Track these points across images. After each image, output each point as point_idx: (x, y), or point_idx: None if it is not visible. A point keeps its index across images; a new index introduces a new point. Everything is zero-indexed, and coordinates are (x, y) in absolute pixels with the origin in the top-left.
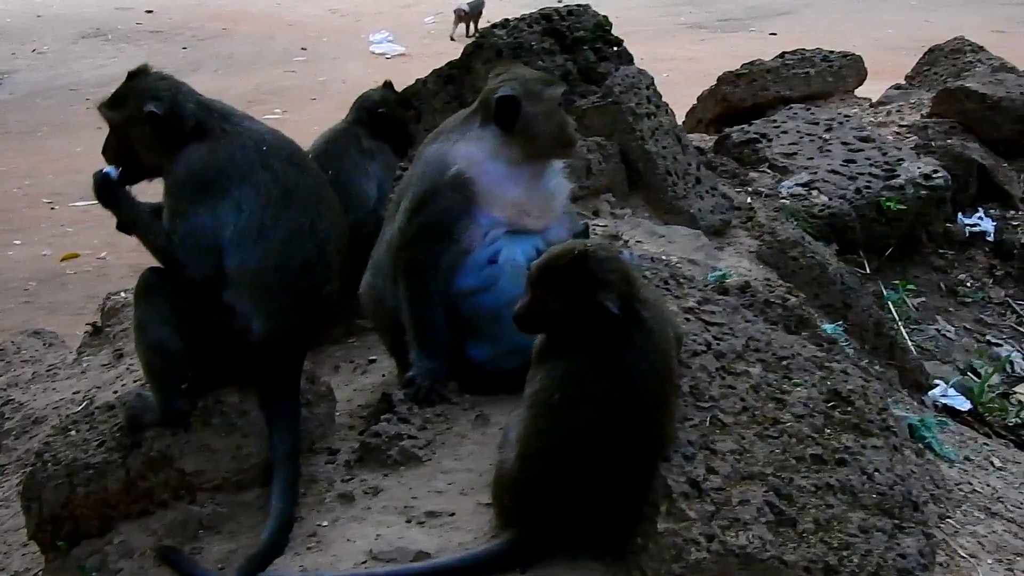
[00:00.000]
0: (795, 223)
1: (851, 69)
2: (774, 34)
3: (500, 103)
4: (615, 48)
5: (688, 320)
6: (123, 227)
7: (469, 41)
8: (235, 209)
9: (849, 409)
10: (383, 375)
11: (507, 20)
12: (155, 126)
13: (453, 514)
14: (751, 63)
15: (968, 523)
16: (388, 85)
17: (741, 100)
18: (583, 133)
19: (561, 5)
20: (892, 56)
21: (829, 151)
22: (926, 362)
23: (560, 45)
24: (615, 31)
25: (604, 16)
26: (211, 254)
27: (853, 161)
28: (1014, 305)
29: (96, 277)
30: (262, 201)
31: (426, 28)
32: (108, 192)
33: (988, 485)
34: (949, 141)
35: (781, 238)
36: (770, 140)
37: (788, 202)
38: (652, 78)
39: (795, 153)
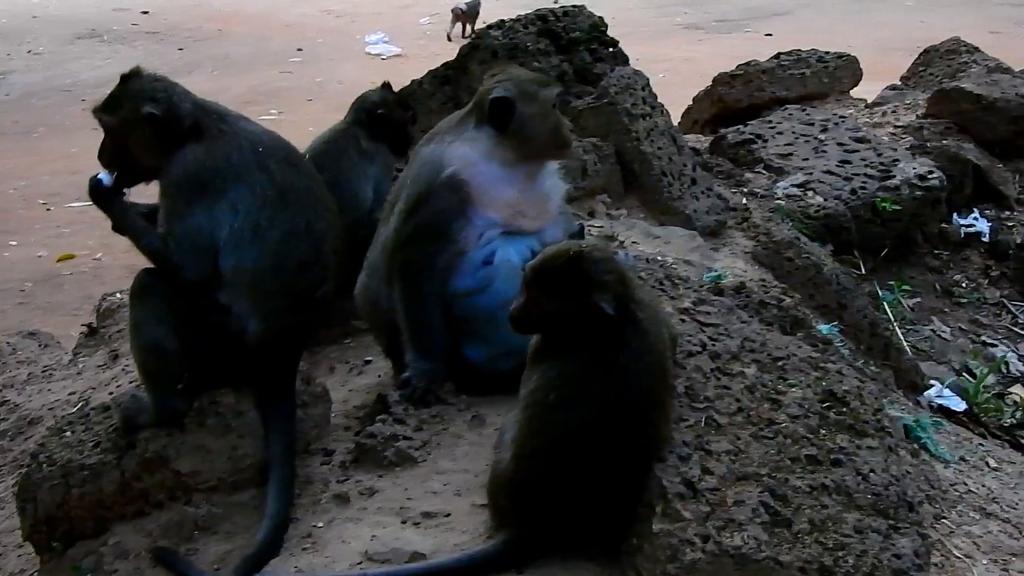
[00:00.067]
0: (790, 224)
1: (846, 70)
2: (770, 35)
3: (494, 104)
4: (611, 49)
5: (683, 321)
6: (118, 230)
7: (466, 41)
8: (231, 210)
9: (844, 410)
10: (379, 376)
11: (503, 21)
12: (153, 127)
13: (449, 515)
14: (747, 64)
15: (963, 523)
16: (386, 86)
17: (737, 101)
18: (578, 134)
19: (557, 6)
20: (888, 57)
21: (825, 152)
22: (921, 363)
23: (556, 46)
24: (611, 32)
25: (600, 17)
26: (207, 255)
27: (848, 162)
28: (1009, 306)
29: (92, 278)
30: (258, 202)
31: (422, 29)
32: (102, 197)
33: (983, 486)
34: (944, 142)
35: (776, 239)
36: (766, 141)
37: (783, 203)
38: (648, 79)
39: (791, 154)
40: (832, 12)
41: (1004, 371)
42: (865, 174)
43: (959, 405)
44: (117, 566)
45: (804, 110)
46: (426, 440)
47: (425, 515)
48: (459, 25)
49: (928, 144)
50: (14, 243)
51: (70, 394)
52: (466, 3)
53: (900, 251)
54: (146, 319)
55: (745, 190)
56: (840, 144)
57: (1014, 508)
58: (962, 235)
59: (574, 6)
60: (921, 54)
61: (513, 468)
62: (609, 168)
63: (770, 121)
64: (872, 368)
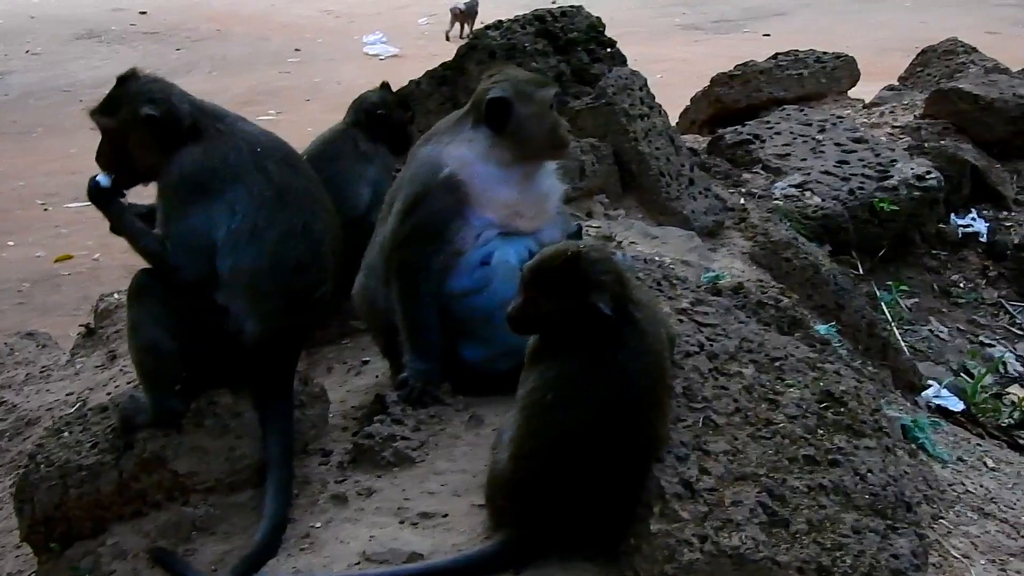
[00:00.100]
0: (788, 224)
1: (844, 70)
2: (768, 35)
3: (491, 105)
4: (608, 49)
5: (681, 321)
6: (116, 231)
7: (465, 41)
8: (229, 210)
9: (842, 410)
10: (376, 376)
11: (500, 21)
12: (152, 129)
13: (446, 515)
14: (744, 64)
15: (961, 524)
16: (385, 86)
17: (734, 101)
18: (576, 134)
19: (555, 6)
20: (886, 57)
21: (822, 152)
22: (919, 363)
23: (553, 46)
24: (609, 32)
25: (597, 17)
26: (204, 256)
27: (846, 162)
28: (1007, 306)
29: (90, 278)
30: (256, 203)
31: (420, 29)
32: (100, 199)
33: (981, 486)
34: (942, 142)
35: (774, 239)
36: (763, 141)
37: (781, 203)
38: (645, 79)
39: (788, 154)
40: (830, 12)
41: (1002, 371)
42: (863, 174)
43: (957, 405)
44: (115, 567)
45: (802, 110)
46: (424, 440)
47: (423, 515)
48: (458, 25)
49: (926, 144)
50: (12, 243)
51: (68, 395)
52: (465, 3)
53: (898, 251)
54: (144, 320)
55: (743, 190)
56: (838, 144)
57: (1012, 508)
58: (960, 235)
59: (572, 6)
60: (919, 54)
61: (511, 468)
62: (607, 168)
63: (768, 121)
64: (870, 368)
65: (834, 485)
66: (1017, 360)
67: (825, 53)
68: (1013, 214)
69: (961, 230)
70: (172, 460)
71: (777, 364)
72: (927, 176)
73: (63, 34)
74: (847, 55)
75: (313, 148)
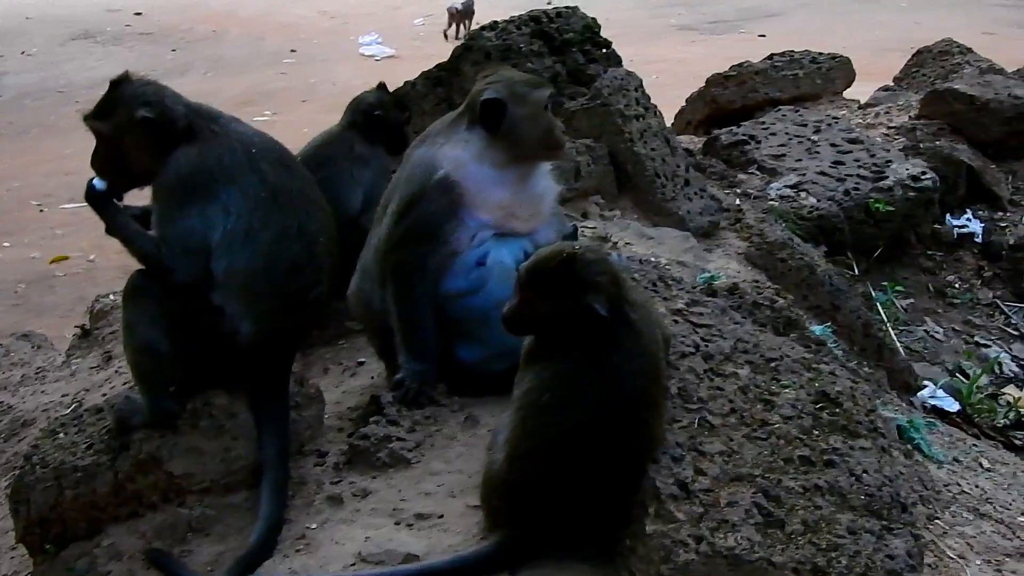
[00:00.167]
0: (783, 225)
1: (840, 71)
2: (763, 36)
3: (485, 106)
4: (604, 50)
5: (676, 322)
6: (111, 233)
7: (462, 41)
8: (223, 212)
9: (837, 410)
10: (372, 377)
11: (496, 22)
12: (148, 131)
13: (442, 516)
14: (740, 65)
15: (957, 524)
16: (382, 87)
17: (730, 102)
18: (572, 135)
19: (550, 7)
20: (881, 58)
21: (818, 153)
22: (915, 363)
23: (549, 47)
24: (604, 33)
25: (593, 18)
26: (199, 257)
27: (841, 163)
28: (1002, 306)
29: (85, 279)
30: (250, 204)
31: (416, 30)
32: (95, 201)
33: (977, 486)
34: (937, 143)
35: (770, 240)
36: (759, 142)
37: (777, 204)
38: (641, 80)
39: (784, 155)
40: (826, 13)
41: (997, 372)
42: (858, 175)
43: (952, 406)
44: (110, 568)
45: (797, 111)
46: (419, 441)
47: (418, 516)
48: (455, 25)
49: (921, 145)
50: (7, 244)
51: (63, 395)
52: (461, 3)
53: (893, 252)
54: (139, 320)
55: (738, 191)
56: (833, 145)
57: (1007, 509)
58: (955, 236)
59: (567, 7)
60: (914, 55)
61: (506, 469)
62: (602, 169)
63: (763, 122)
64: (865, 369)
65: (829, 486)
66: (1012, 360)
67: (820, 54)
68: (1008, 214)
69: (956, 231)
70: (168, 461)
71: (772, 365)
72: (922, 177)
73: (59, 35)
74: (842, 56)
75: (307, 151)
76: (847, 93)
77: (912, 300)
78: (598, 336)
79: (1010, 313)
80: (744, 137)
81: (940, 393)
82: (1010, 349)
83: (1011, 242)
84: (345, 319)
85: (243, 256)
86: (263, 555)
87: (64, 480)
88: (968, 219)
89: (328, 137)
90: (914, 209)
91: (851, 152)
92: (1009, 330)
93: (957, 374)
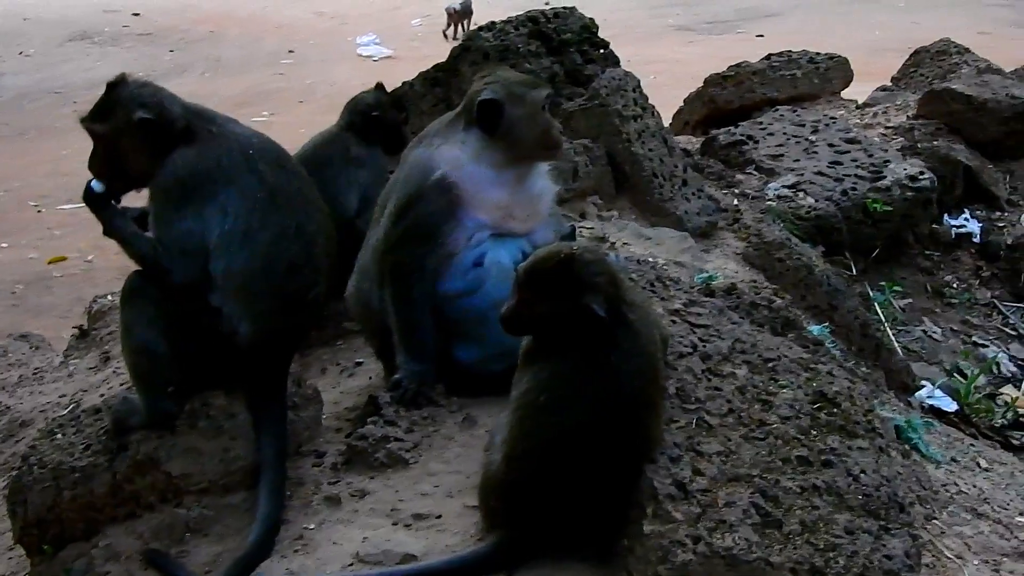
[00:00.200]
0: (781, 225)
1: (837, 71)
2: (761, 36)
3: (482, 106)
4: (601, 50)
5: (674, 322)
6: (108, 234)
7: (459, 42)
8: (221, 213)
9: (835, 411)
10: (370, 378)
11: (493, 23)
12: (146, 132)
13: (440, 516)
14: (738, 65)
15: (954, 524)
16: (380, 87)
17: (728, 102)
18: (569, 135)
19: (548, 7)
20: (879, 58)
21: (815, 153)
22: (912, 363)
23: (547, 47)
24: (602, 33)
25: (590, 19)
26: (196, 258)
27: (839, 163)
28: (1000, 306)
29: (83, 280)
30: (248, 205)
31: (414, 30)
32: (94, 203)
33: (974, 486)
34: (935, 143)
35: (767, 240)
36: (756, 142)
37: (774, 204)
38: (639, 80)
39: (781, 155)
40: (823, 13)
41: (995, 371)
42: (856, 175)
43: (950, 406)
44: (108, 568)
45: (795, 111)
46: (417, 442)
47: (416, 517)
48: (454, 25)
49: (919, 145)
50: (5, 245)
51: (61, 396)
52: (460, 3)
53: (891, 252)
54: (137, 321)
55: (736, 191)
56: (831, 145)
57: (1005, 508)
58: (953, 236)
59: (565, 8)
60: (911, 55)
61: (504, 470)
62: (600, 170)
63: (761, 122)
64: (863, 369)
65: (827, 486)
66: (1010, 360)
67: (818, 54)
68: (1006, 214)
69: (954, 230)
70: (165, 462)
71: (770, 365)
72: (920, 176)
73: (56, 36)
74: (840, 56)
75: (304, 152)
76: (845, 93)
77: (910, 300)
78: (596, 336)
79: (1008, 313)
80: (742, 137)
81: (938, 393)
82: (1008, 349)
83: (1009, 242)
84: (343, 320)
85: (241, 257)
86: (261, 556)
87: (62, 481)
88: (966, 219)
89: (324, 138)
90: (912, 209)
91: (849, 152)
92: (1007, 330)
93: (955, 374)
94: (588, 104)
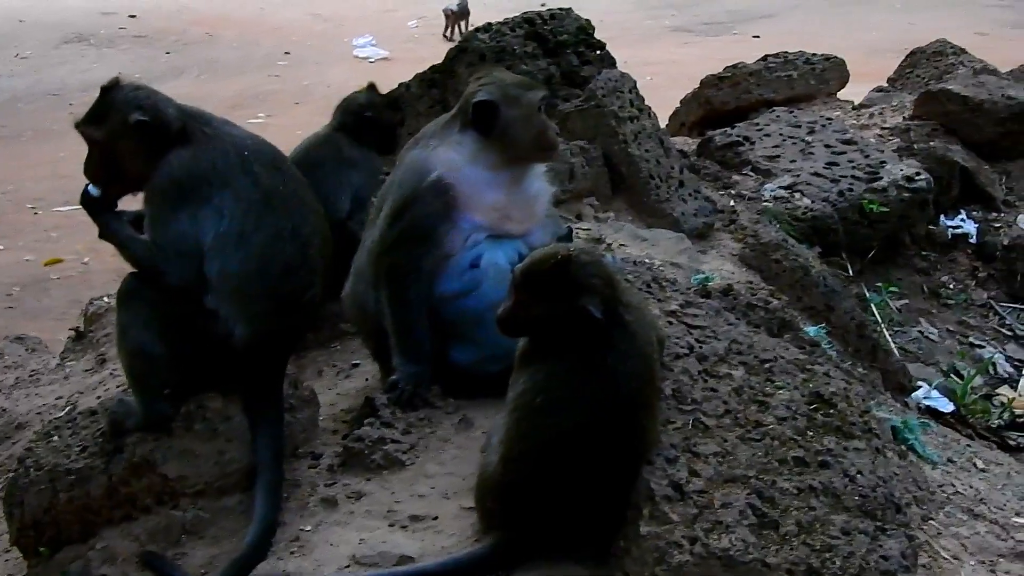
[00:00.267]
0: (778, 226)
1: (833, 72)
2: (757, 37)
3: (478, 108)
4: (598, 51)
5: (671, 323)
6: (104, 237)
7: (455, 44)
8: (216, 214)
9: (831, 411)
10: (366, 379)
11: (490, 24)
12: (142, 135)
13: (436, 518)
14: (734, 66)
15: (951, 525)
16: (372, 87)
17: (724, 103)
18: (566, 136)
19: (544, 9)
20: (875, 58)
21: (812, 154)
22: (909, 364)
23: (543, 49)
24: (598, 34)
25: (587, 20)
26: (191, 260)
27: (836, 164)
28: (996, 307)
29: (79, 282)
30: (243, 206)
31: (410, 32)
32: (90, 207)
33: (971, 487)
34: (931, 143)
35: (764, 241)
36: (753, 143)
37: (771, 205)
38: (635, 81)
39: (778, 156)
40: (819, 14)
41: (991, 372)
42: (852, 176)
43: (947, 406)
44: (104, 571)
45: (791, 112)
46: (414, 443)
47: (413, 518)
48: (451, 26)
49: (915, 146)
50: (1, 247)
51: (57, 398)
52: (457, 3)
53: (887, 253)
54: (133, 323)
55: (732, 192)
56: (827, 146)
57: (1001, 509)
58: (949, 236)
59: (561, 9)
60: (908, 56)
61: (501, 471)
62: (596, 171)
63: (757, 123)
64: (859, 370)
65: (824, 487)
66: (1007, 361)
67: (814, 55)
68: (1002, 215)
69: (950, 231)
70: (161, 464)
71: (767, 366)
72: (916, 177)
73: (52, 38)
74: (836, 57)
75: (296, 154)
76: (841, 94)
77: (906, 301)
78: (592, 338)
79: (1004, 314)
80: (738, 138)
81: (934, 394)
82: (1004, 349)
83: (1005, 243)
84: (339, 321)
85: (236, 259)
86: (257, 557)
87: (58, 483)
88: (962, 220)
89: (316, 140)
90: (908, 210)
91: (845, 153)
92: (1003, 331)
93: (951, 375)
94: (584, 105)
